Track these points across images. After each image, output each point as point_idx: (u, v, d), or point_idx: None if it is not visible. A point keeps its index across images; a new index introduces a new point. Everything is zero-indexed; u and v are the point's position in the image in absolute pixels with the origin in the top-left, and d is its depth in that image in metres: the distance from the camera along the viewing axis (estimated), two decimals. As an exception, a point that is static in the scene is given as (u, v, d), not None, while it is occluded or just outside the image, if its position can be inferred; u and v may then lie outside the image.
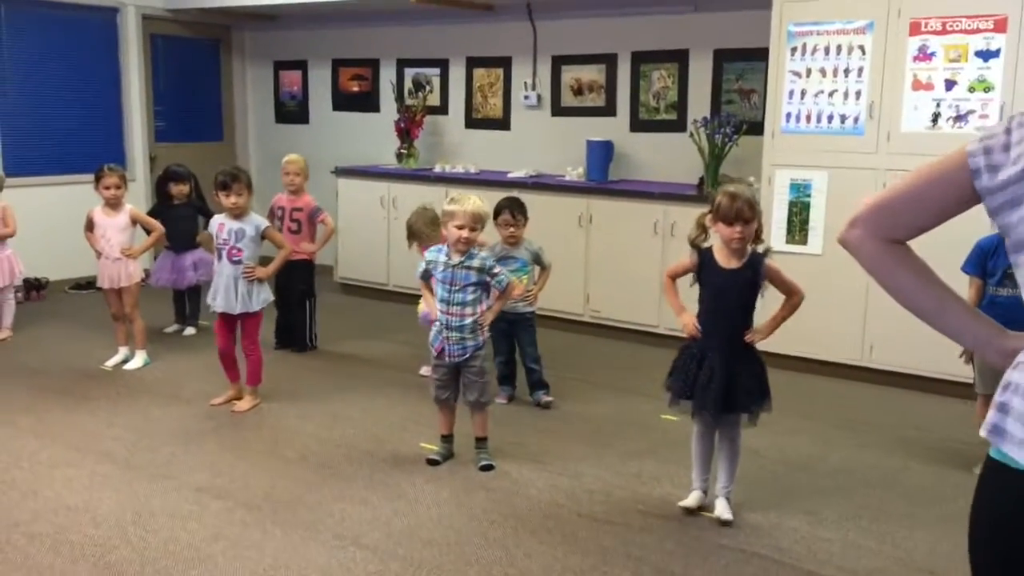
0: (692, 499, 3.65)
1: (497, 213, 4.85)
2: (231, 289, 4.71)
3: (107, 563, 3.19)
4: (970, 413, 4.26)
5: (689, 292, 3.63)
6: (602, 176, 6.59)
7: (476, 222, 3.87)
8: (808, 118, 5.37)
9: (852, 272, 5.29)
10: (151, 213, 6.14)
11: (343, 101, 8.51)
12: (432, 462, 4.09)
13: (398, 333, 6.26)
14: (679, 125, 6.57)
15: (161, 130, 8.52)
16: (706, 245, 3.54)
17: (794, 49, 5.37)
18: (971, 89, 4.88)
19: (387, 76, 8.13)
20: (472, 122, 7.74)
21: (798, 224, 5.46)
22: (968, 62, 4.87)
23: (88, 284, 7.10)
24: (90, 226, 5.49)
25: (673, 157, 6.55)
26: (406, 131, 7.61)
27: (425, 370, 4.87)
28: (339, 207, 7.52)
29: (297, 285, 5.86)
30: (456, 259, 3.92)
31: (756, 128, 5.84)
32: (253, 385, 4.86)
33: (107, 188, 5.42)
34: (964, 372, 4.29)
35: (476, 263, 3.93)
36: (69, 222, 6.22)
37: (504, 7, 7.17)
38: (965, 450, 4.26)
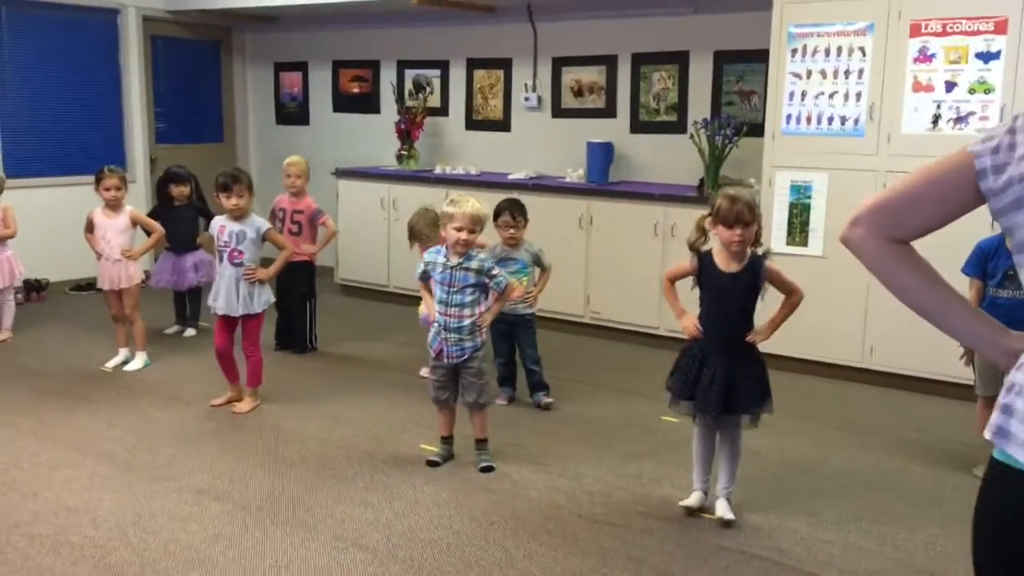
0: (693, 499, 3.64)
1: (497, 215, 4.85)
2: (232, 291, 4.71)
3: (107, 564, 3.19)
4: (970, 415, 4.26)
5: (690, 295, 3.63)
6: (602, 178, 6.59)
7: (475, 224, 3.87)
8: (808, 120, 5.37)
9: (853, 274, 5.30)
10: (152, 214, 6.15)
11: (343, 102, 8.51)
12: (432, 463, 4.09)
13: (398, 334, 6.26)
14: (679, 127, 6.57)
15: (161, 131, 8.53)
16: (705, 248, 3.54)
17: (794, 51, 5.37)
18: (971, 91, 4.88)
19: (387, 77, 8.13)
20: (472, 123, 7.74)
21: (798, 226, 5.46)
22: (968, 64, 4.87)
23: (88, 285, 7.10)
24: (90, 227, 5.50)
25: (673, 159, 6.55)
26: (406, 132, 7.62)
27: (425, 371, 4.87)
28: (339, 208, 7.52)
29: (298, 286, 5.86)
30: (454, 260, 3.92)
31: (756, 130, 5.84)
32: (253, 387, 4.86)
33: (107, 189, 5.42)
34: (964, 374, 4.29)
35: (474, 265, 3.94)
36: (69, 223, 6.22)
37: (504, 8, 7.17)
38: (965, 452, 4.26)
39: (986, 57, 4.83)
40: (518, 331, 4.96)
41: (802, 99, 5.38)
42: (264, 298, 4.82)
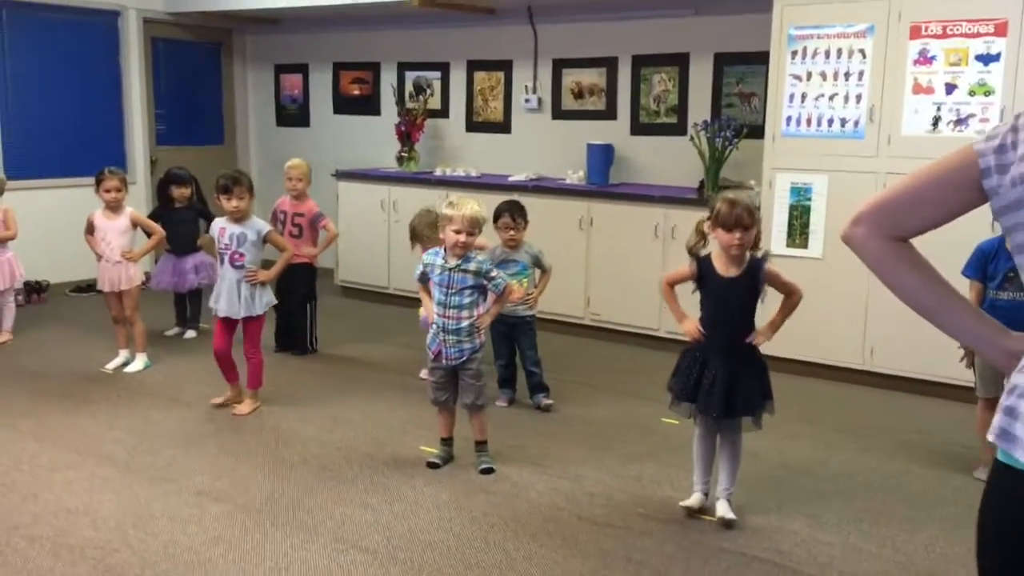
0: (693, 500, 3.64)
1: (497, 216, 4.86)
2: (234, 293, 4.71)
3: (107, 566, 3.19)
4: (971, 417, 4.25)
5: (691, 298, 3.63)
6: (603, 179, 6.59)
7: (473, 226, 3.87)
8: (808, 122, 5.38)
9: (853, 275, 5.29)
10: (152, 216, 6.15)
11: (344, 104, 8.52)
12: (432, 465, 4.09)
13: (398, 336, 6.27)
14: (679, 128, 6.57)
15: (162, 133, 8.53)
16: (704, 252, 3.53)
17: (794, 53, 5.37)
18: (971, 93, 4.88)
19: (388, 79, 8.14)
20: (473, 125, 7.74)
21: (798, 228, 5.46)
22: (968, 66, 4.87)
23: (89, 287, 7.10)
24: (90, 229, 5.50)
25: (673, 161, 6.56)
26: (407, 134, 7.62)
27: (425, 373, 4.86)
28: (340, 210, 7.53)
29: (298, 288, 5.86)
30: (453, 262, 3.92)
31: (756, 132, 5.85)
32: (254, 389, 4.86)
33: (108, 191, 5.42)
34: (965, 376, 4.29)
35: (473, 267, 3.94)
36: (70, 225, 6.22)
37: (505, 10, 7.18)
38: (966, 454, 4.26)
39: (986, 59, 4.83)
40: (518, 333, 4.96)
41: (802, 101, 5.38)
42: (266, 300, 4.83)
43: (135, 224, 5.53)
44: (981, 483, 3.84)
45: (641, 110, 6.83)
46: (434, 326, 4.01)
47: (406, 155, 7.65)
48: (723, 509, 3.56)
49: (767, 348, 3.57)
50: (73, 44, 7.78)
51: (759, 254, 3.53)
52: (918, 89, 5.02)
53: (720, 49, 6.41)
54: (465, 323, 3.95)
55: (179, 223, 6.17)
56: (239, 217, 4.72)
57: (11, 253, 6.12)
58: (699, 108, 6.51)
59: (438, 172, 7.43)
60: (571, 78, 7.14)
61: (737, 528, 3.53)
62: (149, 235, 5.63)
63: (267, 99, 9.07)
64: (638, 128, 6.85)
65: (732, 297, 3.49)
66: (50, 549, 3.30)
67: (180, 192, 6.30)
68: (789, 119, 5.43)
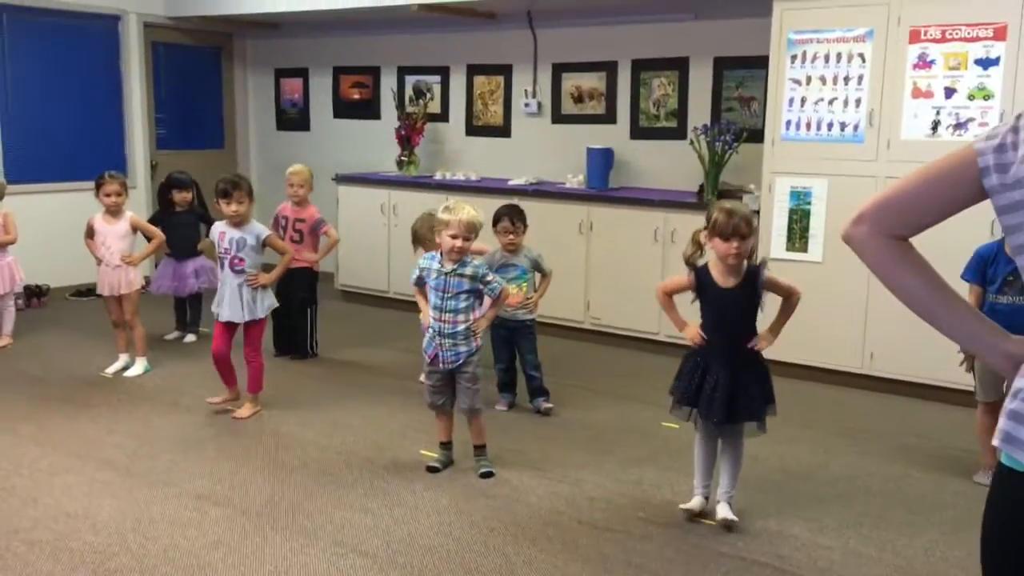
0: (694, 503, 3.64)
1: (496, 220, 4.86)
2: (236, 298, 4.72)
3: (107, 570, 3.19)
4: (971, 421, 4.26)
5: (690, 305, 3.63)
6: (602, 183, 6.59)
7: (470, 231, 3.88)
8: (808, 126, 5.38)
9: (853, 279, 5.29)
10: (153, 220, 6.16)
11: (344, 108, 8.53)
12: (432, 469, 4.09)
13: (398, 340, 6.27)
14: (679, 133, 6.58)
15: (162, 137, 8.54)
16: (701, 262, 3.54)
17: (794, 57, 5.38)
18: (971, 97, 4.89)
19: (388, 84, 8.15)
20: (472, 129, 7.75)
21: (798, 232, 5.46)
22: (968, 70, 4.88)
23: (89, 291, 7.10)
24: (90, 233, 5.50)
25: (673, 165, 6.56)
26: (407, 138, 7.62)
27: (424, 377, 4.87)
28: (340, 214, 7.53)
29: (298, 292, 5.86)
30: (449, 267, 3.93)
31: (756, 136, 5.85)
32: (254, 392, 4.86)
33: (108, 195, 5.43)
34: (964, 380, 4.30)
35: (469, 271, 3.94)
36: (70, 229, 6.23)
37: (505, 15, 7.19)
38: (966, 458, 4.26)
39: (985, 63, 4.84)
40: (518, 337, 4.96)
41: (802, 105, 5.39)
42: (267, 303, 4.84)
43: (135, 228, 5.54)
44: (981, 487, 3.86)
45: (641, 114, 6.84)
46: (430, 330, 4.01)
47: (406, 159, 7.65)
48: (724, 511, 3.56)
49: (767, 352, 3.57)
50: (73, 49, 7.79)
51: (757, 261, 3.53)
52: (917, 93, 5.03)
53: (720, 53, 6.42)
54: (461, 327, 3.96)
55: (180, 227, 6.18)
56: (238, 221, 4.73)
57: (11, 257, 6.12)
58: (699, 112, 6.51)
59: (438, 176, 7.44)
60: (571, 82, 7.15)
61: (737, 532, 3.53)
62: (149, 239, 5.64)
63: (267, 103, 9.08)
64: (638, 132, 6.85)
65: (732, 306, 3.49)
66: (50, 553, 3.30)
67: (181, 196, 6.30)
68: (789, 123, 5.44)
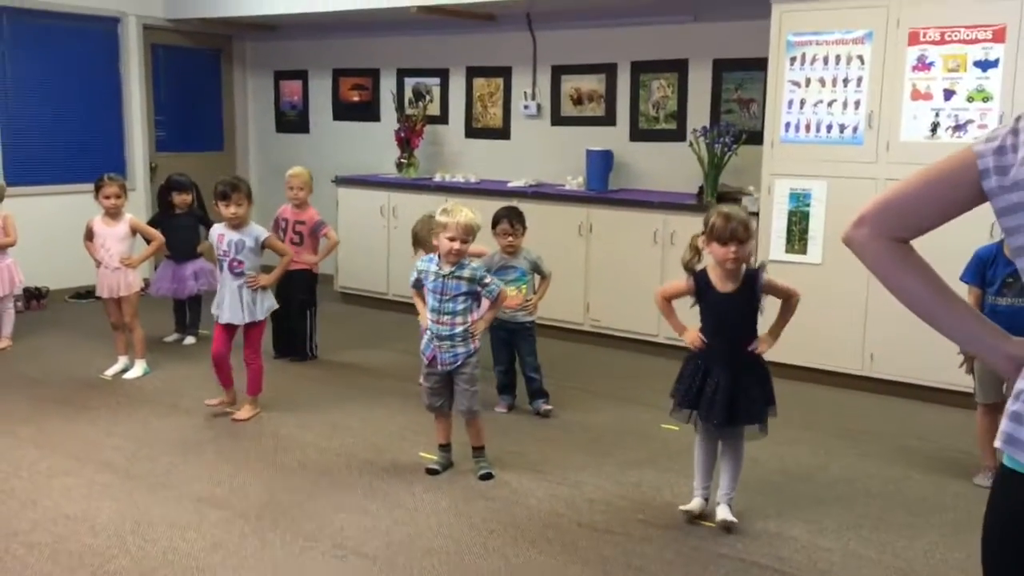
0: (694, 504, 3.64)
1: (495, 222, 4.86)
2: (236, 300, 4.71)
3: (106, 573, 3.18)
4: (970, 423, 4.26)
5: (690, 309, 3.63)
6: (602, 185, 6.59)
7: (467, 234, 3.88)
8: (807, 128, 5.39)
9: (852, 281, 5.29)
10: (152, 222, 6.16)
11: (343, 111, 8.53)
12: (431, 471, 4.09)
13: (398, 342, 6.26)
14: (679, 134, 6.58)
15: (162, 140, 8.54)
16: (700, 267, 3.54)
17: (793, 59, 5.38)
18: (970, 99, 4.89)
19: (387, 86, 8.15)
20: (472, 131, 7.75)
21: (797, 234, 5.46)
22: (967, 72, 4.88)
23: (88, 293, 7.10)
24: (89, 235, 5.50)
25: (673, 166, 6.56)
26: (406, 140, 7.62)
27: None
28: (339, 216, 7.53)
29: (298, 295, 5.86)
30: (447, 269, 3.93)
31: (755, 138, 5.85)
32: (253, 395, 4.86)
33: (107, 197, 5.43)
34: (964, 381, 4.29)
35: (466, 273, 3.94)
36: (69, 231, 6.23)
37: (504, 17, 7.19)
38: (965, 460, 4.26)
39: (984, 65, 4.84)
40: (518, 339, 4.96)
41: (801, 107, 5.39)
42: (267, 305, 4.84)
43: (134, 230, 5.54)
44: (981, 489, 3.86)
45: (640, 116, 6.84)
46: (428, 332, 4.01)
47: (405, 161, 7.65)
48: (723, 512, 3.56)
49: (767, 353, 3.57)
50: (73, 51, 7.79)
51: (756, 264, 3.53)
52: (916, 95, 5.03)
53: (719, 55, 6.43)
54: (459, 329, 3.96)
55: (179, 229, 6.18)
56: (237, 224, 4.73)
57: (11, 259, 6.12)
58: (698, 114, 6.52)
59: (437, 178, 7.44)
60: (570, 84, 7.15)
61: (736, 534, 3.53)
62: (149, 241, 5.64)
63: (267, 105, 9.08)
64: (637, 134, 6.86)
65: (731, 311, 3.49)
66: (49, 555, 3.30)
67: (181, 199, 6.30)
68: (788, 125, 5.44)
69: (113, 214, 5.47)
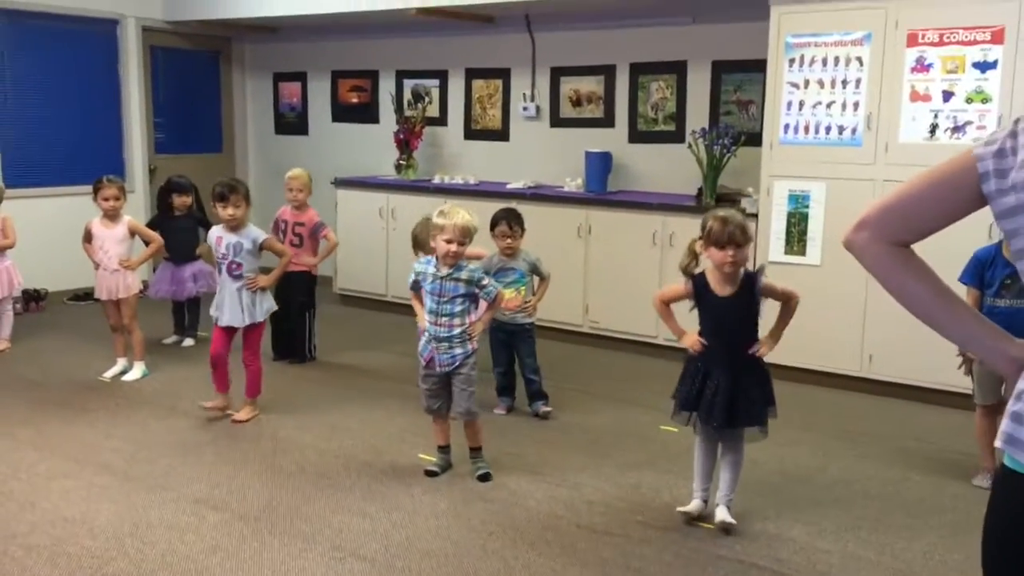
0: (693, 506, 3.64)
1: (494, 224, 4.86)
2: (235, 302, 4.71)
3: (104, 575, 3.18)
4: (969, 424, 4.25)
5: (689, 311, 3.63)
6: (601, 187, 6.59)
7: (464, 236, 3.88)
8: (806, 129, 5.39)
9: (851, 282, 5.29)
10: (152, 224, 6.16)
11: (342, 112, 8.53)
12: (430, 473, 4.09)
13: (397, 344, 6.26)
14: (677, 136, 6.58)
15: (161, 142, 8.54)
16: (698, 271, 3.54)
17: (792, 60, 5.38)
18: (969, 100, 4.89)
19: (386, 87, 8.15)
20: (471, 133, 7.75)
21: (796, 235, 5.46)
22: (965, 73, 4.88)
23: (87, 295, 7.10)
24: (88, 237, 5.50)
25: (671, 168, 6.56)
26: (405, 142, 7.63)
27: (424, 381, 4.87)
28: (338, 218, 7.53)
29: (297, 296, 5.86)
30: (444, 271, 3.93)
31: (754, 139, 5.86)
32: (252, 396, 4.86)
33: (106, 199, 5.43)
34: (963, 383, 4.29)
35: (464, 275, 3.94)
36: (68, 233, 6.23)
37: (503, 19, 7.19)
38: (964, 461, 4.26)
39: (983, 67, 4.84)
40: (517, 340, 4.96)
41: (800, 109, 5.39)
42: (266, 306, 4.84)
43: (133, 232, 5.53)
44: (980, 490, 3.86)
45: (639, 118, 6.84)
46: (426, 334, 4.01)
47: (404, 163, 7.65)
48: (722, 514, 3.56)
49: (767, 355, 3.57)
50: (72, 53, 7.78)
51: (755, 268, 3.53)
52: (915, 97, 5.03)
53: (718, 57, 6.43)
54: (457, 330, 3.96)
55: (178, 231, 6.18)
56: (235, 226, 4.72)
57: (9, 261, 6.12)
58: (697, 116, 6.52)
59: (436, 180, 7.44)
60: (569, 86, 7.16)
61: (735, 535, 3.53)
62: (147, 243, 5.64)
63: (266, 107, 9.08)
64: (636, 136, 6.86)
65: (730, 315, 3.50)
66: (47, 558, 3.30)
67: (181, 201, 6.30)
68: (787, 127, 5.44)
69: (112, 216, 5.46)
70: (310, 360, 6.00)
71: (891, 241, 1.56)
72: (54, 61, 7.66)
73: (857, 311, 5.28)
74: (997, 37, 4.79)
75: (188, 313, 6.43)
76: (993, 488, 1.55)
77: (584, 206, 6.43)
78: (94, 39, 7.95)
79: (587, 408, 5.10)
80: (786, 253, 5.48)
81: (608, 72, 6.94)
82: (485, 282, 4.01)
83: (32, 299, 7.30)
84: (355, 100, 8.42)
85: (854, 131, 5.23)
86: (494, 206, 5.23)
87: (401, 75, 8.07)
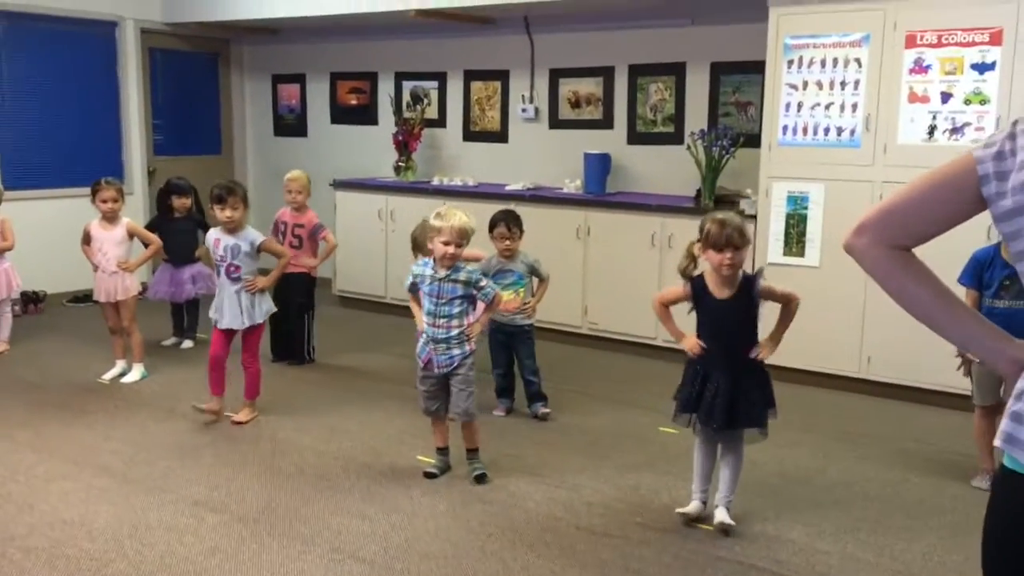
0: (692, 507, 3.65)
1: (492, 227, 4.86)
2: (234, 304, 4.71)
3: (103, 577, 3.18)
4: (968, 425, 4.25)
5: (687, 314, 3.63)
6: (600, 188, 6.60)
7: (461, 238, 3.88)
8: (805, 130, 5.39)
9: (850, 284, 5.29)
10: (151, 226, 6.16)
11: (341, 114, 8.53)
12: (429, 475, 4.09)
13: (395, 346, 6.26)
14: (676, 138, 6.58)
15: (160, 144, 8.54)
16: (696, 273, 3.54)
17: (791, 62, 5.39)
18: (967, 101, 4.90)
19: (385, 89, 8.15)
20: (470, 135, 7.75)
21: (795, 236, 5.46)
22: (964, 74, 4.89)
23: (86, 297, 7.10)
24: (87, 239, 5.50)
25: (670, 169, 6.56)
26: (404, 144, 7.63)
27: (423, 383, 4.86)
28: (337, 220, 7.53)
29: (296, 298, 5.86)
30: (442, 273, 3.93)
31: (753, 140, 5.86)
32: (251, 398, 4.86)
33: (104, 201, 5.43)
34: (962, 384, 4.29)
35: (462, 276, 3.95)
36: (67, 235, 6.23)
37: (502, 20, 7.19)
38: (963, 462, 4.26)
39: (981, 68, 4.84)
40: (516, 342, 4.96)
41: (798, 110, 5.39)
42: (265, 307, 4.84)
43: (131, 234, 5.53)
44: (979, 491, 3.85)
45: (638, 119, 6.85)
46: (424, 335, 4.02)
47: (403, 165, 7.66)
48: (721, 515, 3.56)
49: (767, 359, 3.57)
50: (71, 55, 7.78)
51: (753, 271, 3.53)
52: (914, 98, 5.04)
53: (716, 58, 6.43)
54: (455, 332, 3.96)
55: (178, 233, 6.18)
56: (233, 228, 4.72)
57: (8, 263, 6.11)
58: (696, 117, 6.52)
59: (435, 181, 7.44)
60: (568, 87, 7.16)
61: (735, 537, 3.52)
62: (146, 245, 5.63)
63: (264, 109, 9.08)
64: (635, 137, 6.86)
65: (728, 317, 3.50)
66: (46, 560, 3.29)
67: (180, 202, 6.30)
68: (785, 128, 5.45)
69: (110, 218, 5.46)
70: (309, 362, 6.00)
71: (891, 245, 1.56)
72: (53, 63, 7.66)
73: (856, 312, 5.28)
74: (995, 39, 4.79)
75: (187, 315, 6.43)
76: (992, 489, 1.55)
77: (583, 207, 6.43)
78: (93, 41, 7.95)
79: (586, 409, 5.10)
80: (785, 254, 5.48)
81: (607, 74, 6.94)
82: (483, 283, 4.01)
83: (31, 301, 7.29)
84: (354, 102, 8.43)
85: (853, 132, 5.24)
86: (493, 207, 5.23)
87: (400, 77, 8.08)
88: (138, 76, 8.20)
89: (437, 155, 7.89)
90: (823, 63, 5.28)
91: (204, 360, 4.99)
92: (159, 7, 8.23)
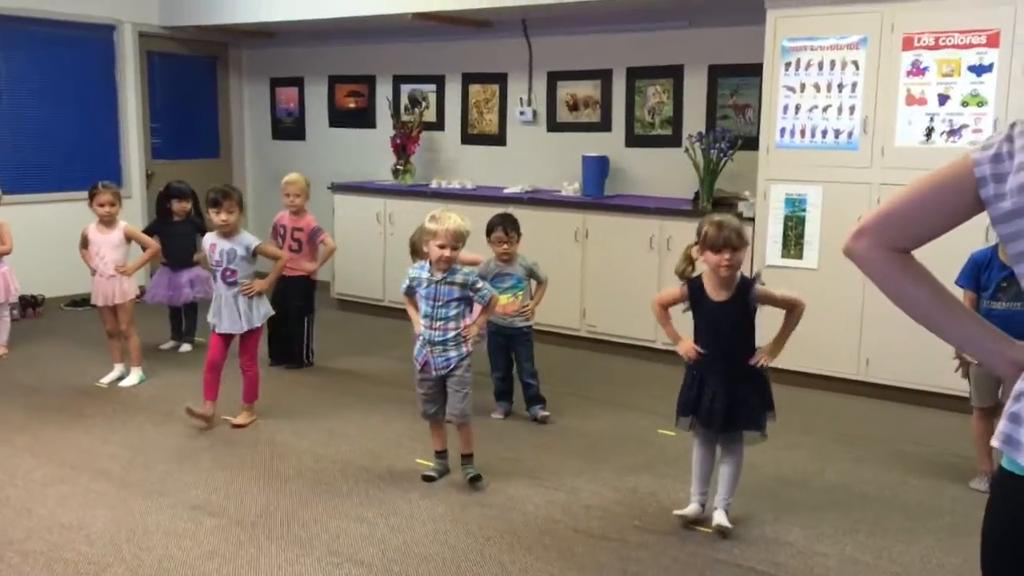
0: (690, 510, 3.64)
1: (490, 230, 4.86)
2: (232, 309, 4.71)
3: (101, 581, 3.18)
4: (967, 427, 4.25)
5: (684, 317, 3.63)
6: (598, 191, 6.60)
7: (457, 240, 3.88)
8: (802, 133, 5.39)
9: (848, 286, 5.29)
10: (150, 229, 6.16)
11: (339, 117, 8.53)
12: (428, 478, 4.09)
13: (394, 349, 6.26)
14: (674, 140, 6.59)
15: (158, 147, 8.54)
16: (694, 275, 3.54)
17: (788, 64, 5.39)
18: (964, 104, 4.90)
19: (383, 92, 8.16)
20: (468, 138, 7.76)
21: (793, 239, 5.47)
22: (961, 77, 4.89)
23: (84, 301, 7.08)
24: (85, 243, 5.50)
25: (668, 172, 6.57)
26: (402, 147, 7.63)
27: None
28: (335, 223, 7.53)
29: (294, 301, 5.86)
30: (439, 276, 3.93)
31: (751, 143, 5.87)
32: (250, 402, 4.85)
33: (101, 205, 5.43)
34: (960, 386, 4.29)
35: (459, 279, 3.95)
36: (65, 239, 6.22)
37: (500, 23, 7.20)
38: (962, 464, 4.26)
39: (979, 70, 4.85)
40: (515, 345, 4.96)
41: (796, 112, 5.40)
42: (263, 311, 4.83)
43: (129, 238, 5.53)
44: (977, 493, 3.85)
45: (636, 122, 6.85)
46: (420, 338, 4.02)
47: (401, 168, 7.66)
48: (719, 518, 3.56)
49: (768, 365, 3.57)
50: (69, 58, 7.79)
51: (751, 274, 3.54)
52: (911, 100, 5.04)
53: (714, 61, 6.44)
54: (451, 334, 3.96)
55: (176, 237, 6.18)
56: (228, 232, 4.72)
57: (6, 267, 6.11)
58: (693, 120, 6.53)
59: (433, 185, 7.44)
60: (566, 90, 7.16)
61: (733, 539, 3.52)
62: (144, 249, 5.63)
63: (263, 112, 9.09)
64: (633, 140, 6.87)
65: (724, 320, 3.50)
66: (44, 564, 3.29)
67: (180, 206, 6.30)
68: (783, 130, 5.45)
69: (107, 222, 5.46)
70: (307, 365, 6.00)
71: (890, 247, 1.56)
72: (51, 67, 7.66)
73: (854, 314, 5.28)
74: (992, 41, 4.80)
75: (185, 319, 6.42)
76: (991, 491, 1.55)
77: (581, 210, 6.43)
78: (91, 45, 7.95)
79: (585, 412, 5.10)
80: (783, 257, 5.48)
81: (605, 76, 6.95)
82: (479, 285, 4.02)
83: (29, 305, 7.29)
84: (352, 105, 8.43)
85: (850, 135, 5.24)
86: (491, 211, 5.23)
87: (398, 80, 8.08)
88: (136, 80, 8.20)
89: (435, 158, 7.89)
90: (821, 65, 5.29)
91: (202, 364, 4.98)
92: (157, 11, 8.24)
